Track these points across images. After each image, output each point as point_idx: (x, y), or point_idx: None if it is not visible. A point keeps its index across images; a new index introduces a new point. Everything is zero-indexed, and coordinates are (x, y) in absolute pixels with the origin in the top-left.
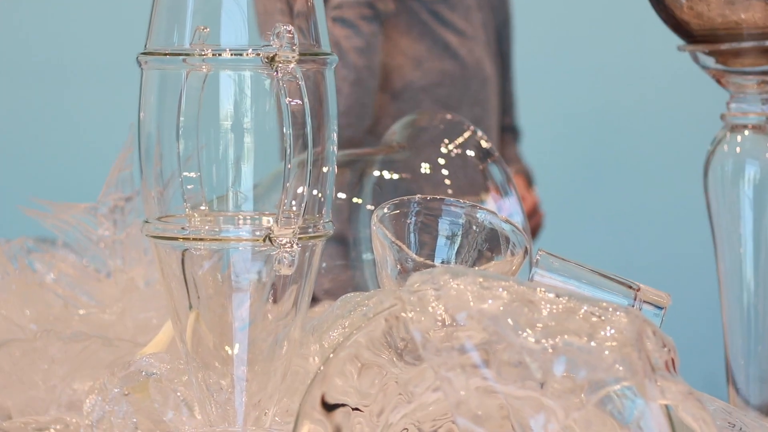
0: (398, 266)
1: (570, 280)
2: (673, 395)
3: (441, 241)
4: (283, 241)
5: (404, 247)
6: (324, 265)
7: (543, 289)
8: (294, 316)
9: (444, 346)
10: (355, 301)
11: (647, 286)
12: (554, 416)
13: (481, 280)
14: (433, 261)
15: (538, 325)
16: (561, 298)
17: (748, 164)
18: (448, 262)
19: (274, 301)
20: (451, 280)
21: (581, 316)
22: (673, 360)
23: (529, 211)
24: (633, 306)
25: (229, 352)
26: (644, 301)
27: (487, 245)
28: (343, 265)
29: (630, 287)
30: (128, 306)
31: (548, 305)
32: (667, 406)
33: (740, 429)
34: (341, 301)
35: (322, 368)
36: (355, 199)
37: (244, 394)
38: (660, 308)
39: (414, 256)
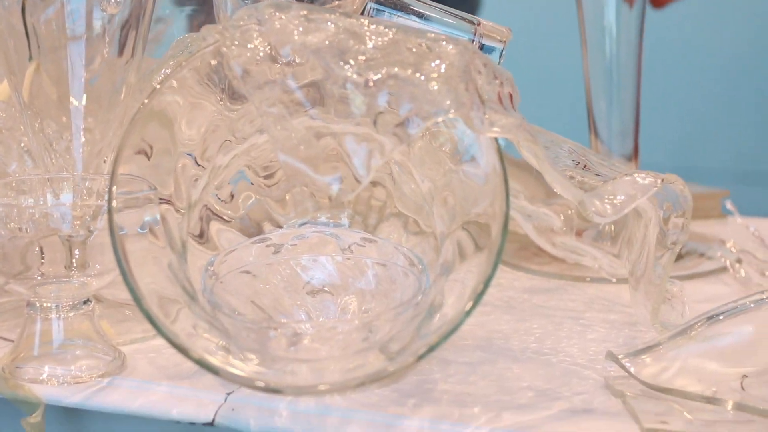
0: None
1: (408, 15)
2: (502, 127)
3: None
4: None
5: None
6: (167, 12)
7: (370, 22)
8: (131, 61)
9: (265, 80)
10: (187, 41)
11: (488, 21)
12: (379, 150)
13: (306, 12)
14: None
15: (361, 57)
16: (388, 30)
17: None
18: None
19: (115, 49)
20: (276, 12)
21: (408, 47)
22: (511, 95)
23: None
24: (473, 41)
25: (75, 103)
26: (484, 36)
27: None
28: (196, 11)
29: (471, 23)
30: None
31: (374, 37)
32: (497, 140)
33: (584, 166)
34: (175, 43)
35: (145, 102)
36: None
37: (85, 144)
38: (501, 42)
39: None
